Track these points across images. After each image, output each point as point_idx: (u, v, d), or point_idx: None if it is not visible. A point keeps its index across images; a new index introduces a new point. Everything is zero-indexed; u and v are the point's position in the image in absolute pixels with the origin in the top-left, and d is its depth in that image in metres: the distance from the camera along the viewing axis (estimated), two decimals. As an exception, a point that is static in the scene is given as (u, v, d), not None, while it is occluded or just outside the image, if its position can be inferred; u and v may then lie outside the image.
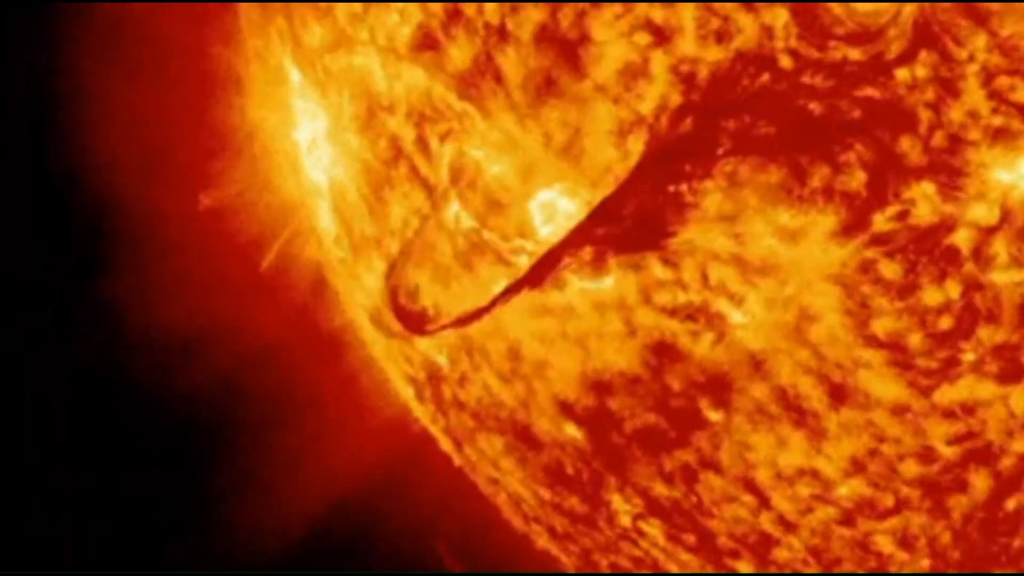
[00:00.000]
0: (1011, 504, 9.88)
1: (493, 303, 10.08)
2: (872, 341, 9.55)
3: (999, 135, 8.93)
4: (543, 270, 9.76)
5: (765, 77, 9.16)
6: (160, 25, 12.31)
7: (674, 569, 11.22)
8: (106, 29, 12.37)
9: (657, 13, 9.35)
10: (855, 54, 9.01)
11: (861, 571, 10.44)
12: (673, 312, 10.00)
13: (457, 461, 12.31)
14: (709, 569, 11.01)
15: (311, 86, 11.29)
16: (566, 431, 10.97)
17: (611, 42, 9.48)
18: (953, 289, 9.33)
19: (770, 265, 9.58)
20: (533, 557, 12.29)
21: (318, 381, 13.10)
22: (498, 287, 10.26)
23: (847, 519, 10.24)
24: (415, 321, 10.38)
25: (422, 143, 10.52)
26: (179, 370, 12.86)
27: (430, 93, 10.28)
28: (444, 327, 10.39)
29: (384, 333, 11.54)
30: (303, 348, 13.01)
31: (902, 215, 9.24)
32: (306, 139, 11.62)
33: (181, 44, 12.27)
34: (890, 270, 9.37)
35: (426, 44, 10.13)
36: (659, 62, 9.42)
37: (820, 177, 9.20)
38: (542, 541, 12.13)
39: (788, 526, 10.44)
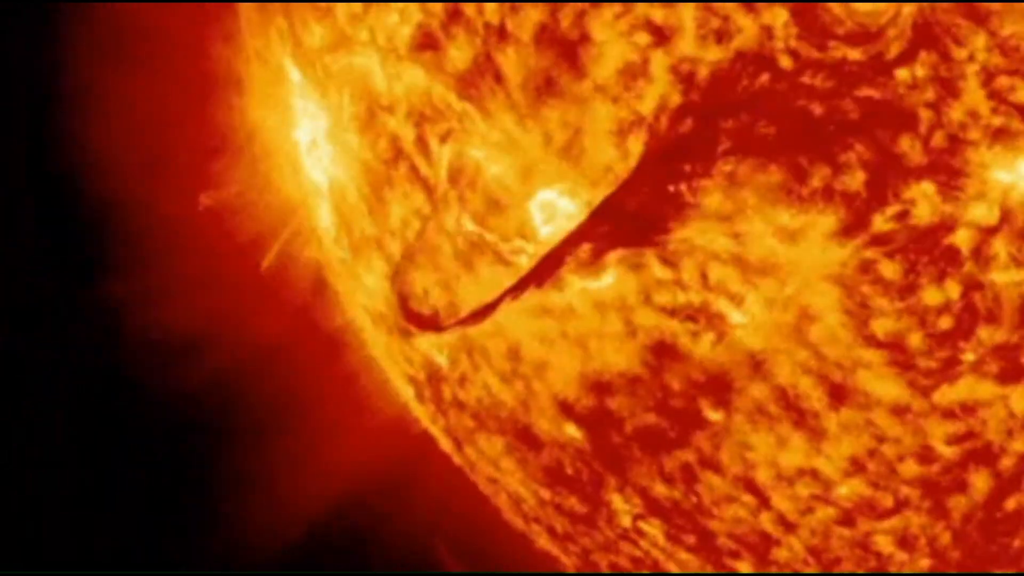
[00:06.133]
0: (1011, 504, 9.87)
1: (498, 301, 10.08)
2: (872, 341, 9.55)
3: (999, 135, 8.93)
4: (547, 269, 9.75)
5: (765, 77, 9.16)
6: (161, 25, 12.31)
7: (674, 569, 11.22)
8: (106, 29, 12.37)
9: (657, 13, 9.35)
10: (855, 54, 9.01)
11: (861, 571, 10.44)
12: (673, 312, 10.00)
13: (457, 461, 12.31)
14: (709, 569, 11.01)
15: (311, 86, 11.29)
16: (566, 431, 10.97)
17: (611, 42, 9.48)
18: (953, 289, 9.33)
19: (770, 265, 9.57)
20: (533, 557, 12.28)
21: (318, 381, 13.10)
22: (500, 287, 10.27)
23: (847, 519, 10.24)
24: (427, 322, 10.39)
25: (422, 143, 10.52)
26: (179, 370, 12.85)
27: (430, 93, 10.28)
28: (454, 326, 10.40)
29: (399, 333, 11.55)
30: (303, 348, 13.01)
31: (902, 215, 9.24)
32: (306, 139, 11.62)
33: (181, 44, 12.26)
34: (890, 270, 9.37)
35: (426, 44, 10.13)
36: (659, 62, 9.42)
37: (820, 177, 9.21)
38: (542, 541, 12.13)
39: (788, 526, 10.43)
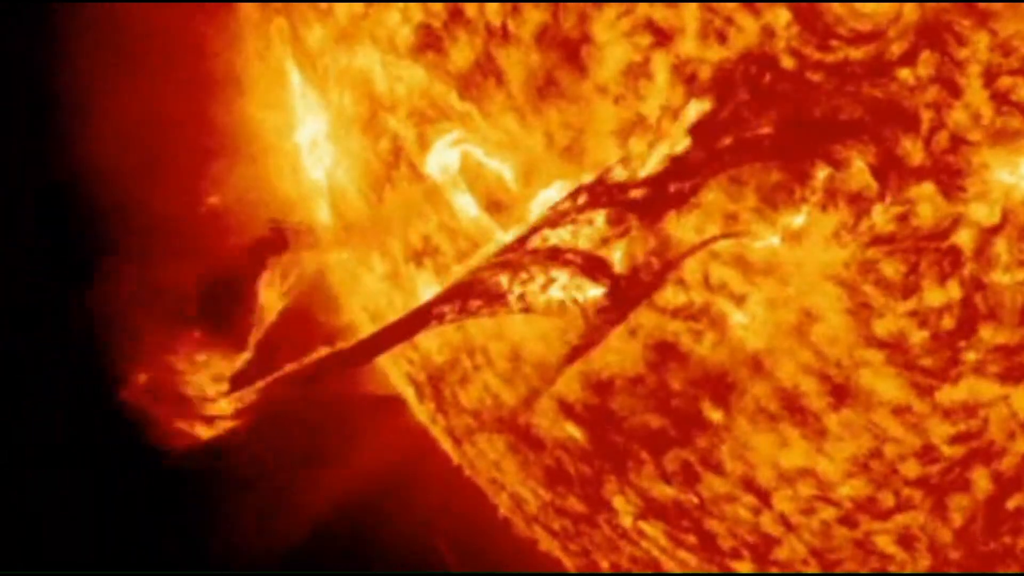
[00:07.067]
0: (1012, 504, 9.88)
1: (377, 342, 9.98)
2: (874, 341, 9.56)
3: (1001, 135, 8.93)
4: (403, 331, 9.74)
5: (767, 77, 9.17)
6: (161, 25, 12.30)
7: (674, 569, 11.22)
8: (106, 29, 12.36)
9: (659, 13, 9.35)
10: (857, 54, 9.02)
11: (862, 571, 10.44)
12: (675, 312, 10.00)
13: (457, 460, 12.31)
14: (709, 569, 11.01)
15: (312, 86, 11.28)
16: (567, 431, 10.97)
17: (612, 42, 9.49)
18: (955, 289, 9.33)
19: (771, 265, 9.58)
20: (534, 557, 12.28)
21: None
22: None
23: (848, 519, 10.24)
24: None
25: (423, 143, 10.52)
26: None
27: (431, 93, 10.28)
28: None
29: None
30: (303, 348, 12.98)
31: (904, 215, 9.25)
32: (307, 139, 11.62)
33: (181, 44, 12.26)
34: (892, 270, 9.37)
35: (428, 44, 10.13)
36: (660, 62, 9.43)
37: (821, 177, 9.21)
38: (543, 541, 12.13)
39: (789, 526, 10.43)
